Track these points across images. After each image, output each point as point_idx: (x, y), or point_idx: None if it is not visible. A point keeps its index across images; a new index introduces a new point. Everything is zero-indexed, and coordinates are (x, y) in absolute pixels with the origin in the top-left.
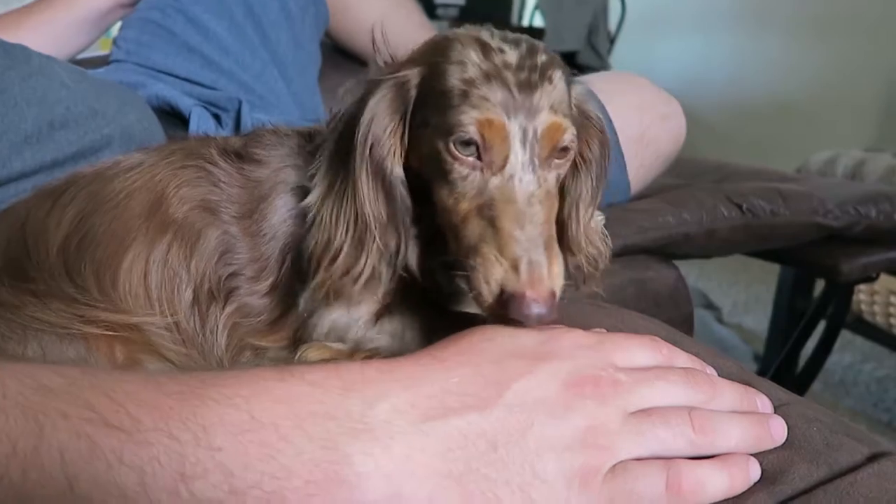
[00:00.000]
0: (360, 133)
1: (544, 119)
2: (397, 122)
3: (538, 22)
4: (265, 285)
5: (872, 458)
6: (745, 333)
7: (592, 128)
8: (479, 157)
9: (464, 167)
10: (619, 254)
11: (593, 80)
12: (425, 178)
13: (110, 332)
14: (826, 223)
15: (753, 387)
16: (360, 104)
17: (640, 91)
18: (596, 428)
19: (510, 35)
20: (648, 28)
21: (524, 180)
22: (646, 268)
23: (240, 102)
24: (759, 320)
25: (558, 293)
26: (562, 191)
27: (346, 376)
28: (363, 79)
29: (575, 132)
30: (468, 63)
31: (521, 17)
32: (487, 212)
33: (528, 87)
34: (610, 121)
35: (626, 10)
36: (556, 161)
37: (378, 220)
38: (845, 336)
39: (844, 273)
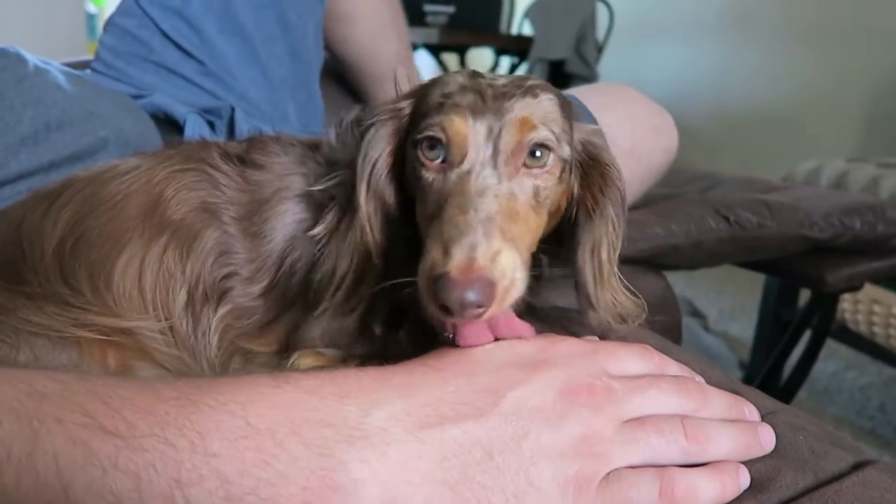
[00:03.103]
0: (361, 163)
1: (512, 116)
2: (393, 149)
3: (527, 30)
4: (259, 287)
5: (857, 466)
6: (730, 341)
7: (606, 174)
8: (444, 161)
9: (430, 172)
10: None
11: (586, 92)
12: (414, 200)
13: (103, 337)
14: (812, 235)
15: (740, 395)
16: (363, 138)
17: (633, 104)
18: (590, 436)
19: (521, 76)
20: (636, 37)
21: (481, 175)
22: (633, 277)
23: (232, 109)
24: (744, 328)
25: (501, 286)
26: (574, 232)
27: (342, 384)
28: (367, 114)
29: (553, 137)
30: (451, 82)
31: (509, 25)
32: (442, 207)
33: (503, 95)
34: (601, 133)
35: (613, 20)
36: (532, 169)
37: (377, 245)
38: (829, 344)
39: (829, 283)
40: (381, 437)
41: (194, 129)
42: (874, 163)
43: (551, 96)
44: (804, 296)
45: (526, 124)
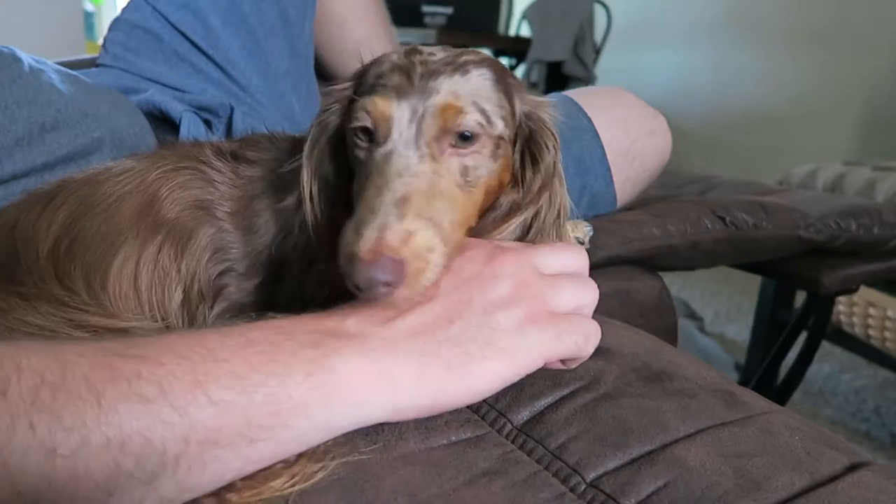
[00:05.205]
0: (307, 140)
1: (437, 100)
2: (335, 128)
3: (525, 31)
4: (255, 282)
5: (852, 467)
6: (726, 343)
7: (539, 153)
8: (373, 141)
9: (362, 151)
10: (605, 264)
11: (582, 95)
12: None
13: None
14: (808, 236)
15: (735, 395)
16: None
17: (628, 106)
18: (522, 283)
19: (463, 49)
20: (633, 39)
21: (402, 155)
22: (631, 278)
23: (232, 108)
24: (740, 330)
25: (413, 266)
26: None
27: (318, 313)
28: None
29: (481, 118)
30: (385, 62)
31: (507, 27)
32: (364, 186)
33: (430, 74)
34: (597, 134)
35: (611, 22)
36: (460, 149)
37: (319, 220)
38: (824, 346)
39: (825, 285)
40: (360, 331)
41: (190, 127)
42: (870, 166)
43: (484, 71)
44: (800, 298)
45: (450, 110)
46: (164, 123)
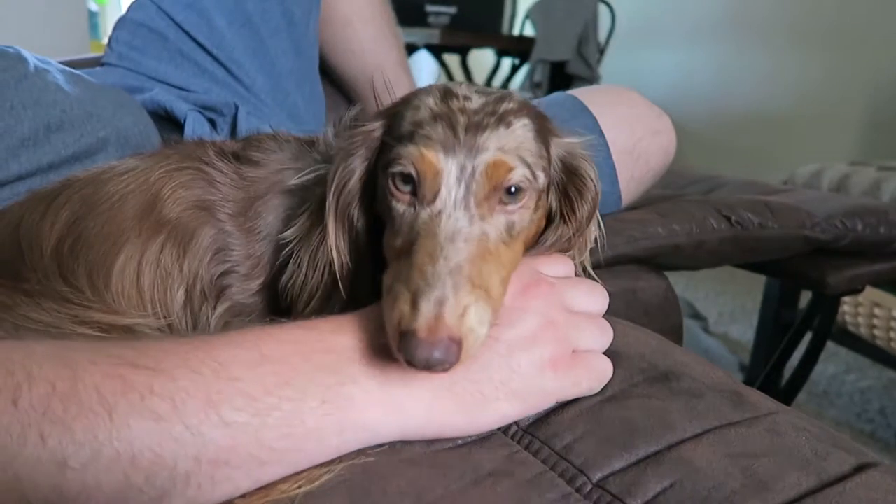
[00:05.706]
0: (331, 184)
1: (486, 157)
2: (363, 172)
3: (529, 31)
4: (257, 284)
5: (860, 468)
6: (730, 343)
7: (584, 187)
8: (415, 194)
9: (401, 204)
10: (610, 263)
11: (587, 93)
12: (384, 224)
13: (103, 335)
14: (813, 236)
15: (744, 395)
16: (333, 163)
17: (633, 105)
18: (549, 322)
19: (494, 90)
20: (638, 39)
21: (452, 217)
22: (636, 277)
23: (236, 107)
24: (745, 331)
25: (467, 343)
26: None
27: (334, 321)
28: (352, 123)
29: (528, 172)
30: (422, 107)
31: (511, 26)
32: (411, 248)
33: (476, 127)
34: (602, 133)
35: (615, 22)
36: (507, 206)
37: (345, 269)
38: (829, 347)
39: (831, 285)
40: (377, 358)
41: (194, 126)
42: (875, 166)
43: (525, 121)
44: (805, 298)
45: (500, 168)
46: (168, 123)
